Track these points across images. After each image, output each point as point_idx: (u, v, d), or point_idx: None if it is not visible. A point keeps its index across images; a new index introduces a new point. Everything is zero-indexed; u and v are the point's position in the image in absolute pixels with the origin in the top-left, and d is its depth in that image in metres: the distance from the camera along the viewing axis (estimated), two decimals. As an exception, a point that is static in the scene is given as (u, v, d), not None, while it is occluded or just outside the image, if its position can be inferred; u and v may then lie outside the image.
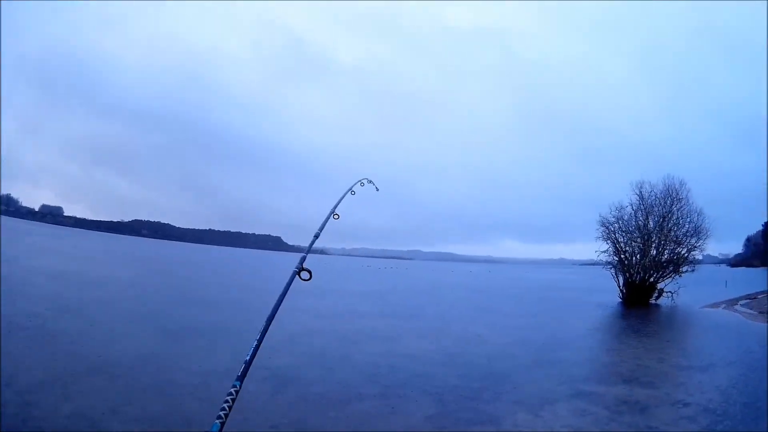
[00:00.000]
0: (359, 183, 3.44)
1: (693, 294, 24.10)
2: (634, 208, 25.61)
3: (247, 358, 1.65)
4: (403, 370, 8.84)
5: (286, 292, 2.04)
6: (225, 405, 1.43)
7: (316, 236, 2.70)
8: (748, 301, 23.49)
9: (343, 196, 3.16)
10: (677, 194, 25.01)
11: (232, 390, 1.50)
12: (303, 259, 2.23)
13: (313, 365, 8.94)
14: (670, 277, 24.36)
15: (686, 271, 24.55)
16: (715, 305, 22.89)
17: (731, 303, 23.09)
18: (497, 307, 22.06)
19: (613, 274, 25.22)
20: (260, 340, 1.76)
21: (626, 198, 25.93)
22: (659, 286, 24.34)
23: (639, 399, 7.50)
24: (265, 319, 1.87)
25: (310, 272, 2.14)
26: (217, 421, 1.38)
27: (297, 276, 2.14)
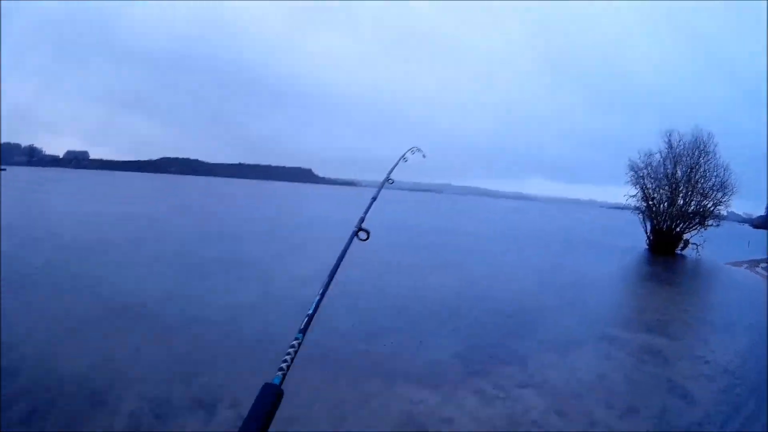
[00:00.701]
0: (410, 151, 3.45)
1: (717, 249, 23.93)
2: (662, 155, 25.17)
3: (310, 311, 1.62)
4: (431, 304, 9.00)
5: (345, 252, 2.00)
6: (287, 357, 1.40)
7: (374, 199, 2.63)
8: (769, 264, 23.20)
9: (396, 163, 3.18)
10: (705, 146, 24.51)
11: (294, 342, 1.47)
12: (362, 219, 2.23)
13: (341, 298, 8.81)
14: (696, 228, 24.20)
15: (711, 225, 24.25)
16: (738, 264, 22.66)
17: (753, 264, 22.81)
18: (526, 247, 22.19)
19: (641, 219, 25.13)
20: (322, 295, 1.73)
21: (655, 145, 25.51)
22: (685, 236, 24.21)
23: (661, 349, 7.58)
24: (327, 275, 1.81)
25: (368, 232, 2.13)
26: (279, 373, 1.35)
27: (356, 236, 2.13)
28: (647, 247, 24.62)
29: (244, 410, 1.05)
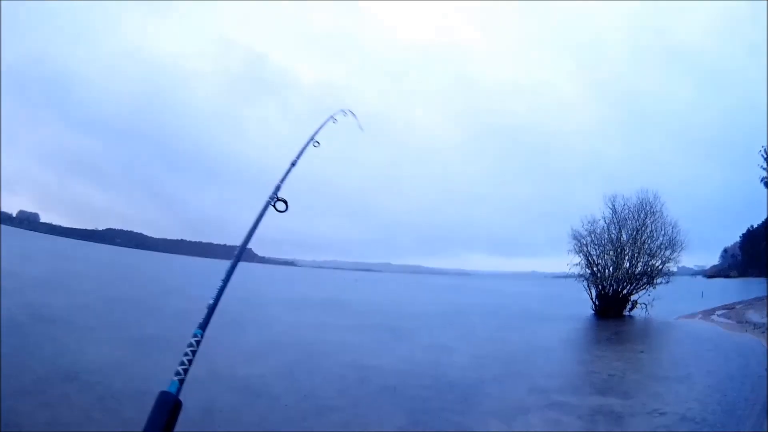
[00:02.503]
0: (341, 112, 3.11)
1: (668, 305, 24.12)
2: (606, 221, 25.58)
3: (211, 302, 1.50)
4: (373, 382, 8.64)
5: (259, 222, 1.85)
6: (185, 359, 1.28)
7: (293, 164, 2.37)
8: (725, 311, 23.60)
9: (324, 123, 2.83)
10: (651, 207, 25.08)
11: (192, 340, 1.36)
12: (278, 188, 2.01)
13: (285, 376, 8.78)
14: (644, 288, 24.34)
15: (660, 283, 24.54)
16: (692, 316, 22.99)
17: (708, 313, 23.21)
18: (467, 319, 21.86)
19: (586, 286, 25.12)
20: (226, 281, 1.59)
21: (599, 211, 25.99)
22: (633, 297, 24.37)
23: (614, 409, 7.35)
24: (234, 256, 1.72)
25: (286, 202, 1.94)
26: (176, 378, 1.22)
27: (272, 207, 1.93)
28: (593, 312, 24.48)
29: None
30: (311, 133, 2.66)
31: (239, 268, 1.73)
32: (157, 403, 1.17)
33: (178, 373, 1.26)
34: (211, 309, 1.49)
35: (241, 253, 1.77)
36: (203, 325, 1.43)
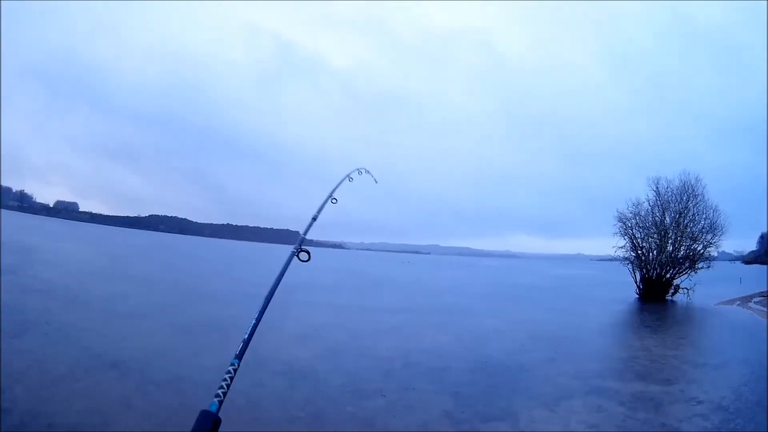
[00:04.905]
0: (357, 171, 3.39)
1: (708, 291, 23.94)
2: (650, 203, 25.52)
3: (246, 336, 1.65)
4: (419, 365, 8.94)
5: (284, 272, 2.03)
6: (223, 383, 1.44)
7: (314, 218, 2.69)
8: (761, 298, 23.25)
9: (340, 182, 3.11)
10: (693, 190, 24.86)
11: (230, 368, 1.51)
12: (302, 240, 2.22)
13: (329, 359, 9.00)
14: (686, 273, 24.24)
15: (702, 268, 24.40)
16: (730, 302, 22.73)
17: (745, 300, 22.91)
18: (513, 302, 22.13)
19: (630, 269, 25.15)
20: (258, 319, 1.76)
21: (643, 194, 25.85)
22: (675, 282, 24.25)
23: (654, 396, 7.55)
24: (264, 298, 1.88)
25: (308, 253, 2.12)
26: (215, 399, 1.38)
27: (296, 257, 2.12)
28: (637, 296, 24.53)
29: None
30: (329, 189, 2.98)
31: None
32: (198, 420, 1.29)
33: (217, 395, 1.39)
34: (246, 342, 1.63)
35: (271, 295, 1.95)
36: (239, 356, 1.56)
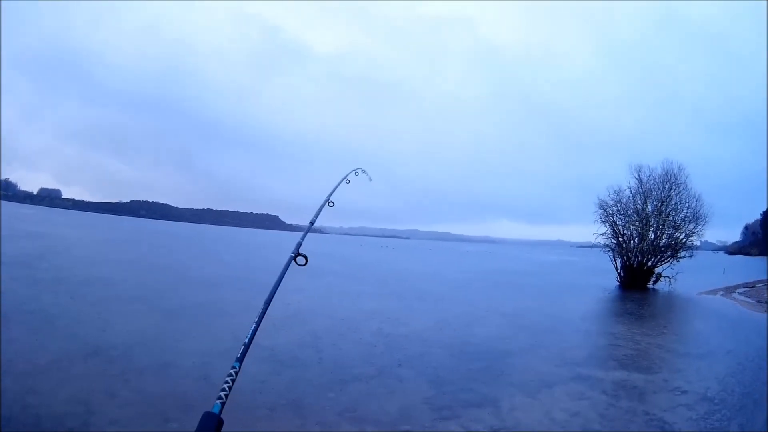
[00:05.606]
0: (353, 172, 3.49)
1: (691, 280, 24.14)
2: (632, 191, 25.58)
3: (246, 340, 1.67)
4: (400, 351, 8.85)
5: (282, 277, 2.05)
6: (225, 386, 1.45)
7: (312, 223, 2.77)
8: (746, 289, 23.53)
9: (337, 185, 3.20)
10: (676, 179, 24.96)
11: (232, 371, 1.52)
12: (299, 245, 2.24)
13: (310, 345, 8.91)
14: (668, 261, 24.43)
15: (684, 257, 24.61)
16: (713, 292, 22.92)
17: (729, 290, 23.11)
18: (493, 288, 22.08)
19: (611, 257, 25.26)
20: (258, 323, 1.78)
21: (624, 181, 25.97)
22: (657, 270, 24.39)
23: (637, 384, 7.48)
24: (263, 302, 1.90)
25: (306, 257, 2.17)
26: (218, 401, 1.39)
27: (293, 261, 2.17)
28: (618, 283, 24.64)
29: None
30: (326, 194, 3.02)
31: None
32: (201, 422, 1.30)
33: (220, 397, 1.41)
34: (247, 346, 1.65)
35: (270, 299, 1.94)
36: (240, 359, 1.58)
